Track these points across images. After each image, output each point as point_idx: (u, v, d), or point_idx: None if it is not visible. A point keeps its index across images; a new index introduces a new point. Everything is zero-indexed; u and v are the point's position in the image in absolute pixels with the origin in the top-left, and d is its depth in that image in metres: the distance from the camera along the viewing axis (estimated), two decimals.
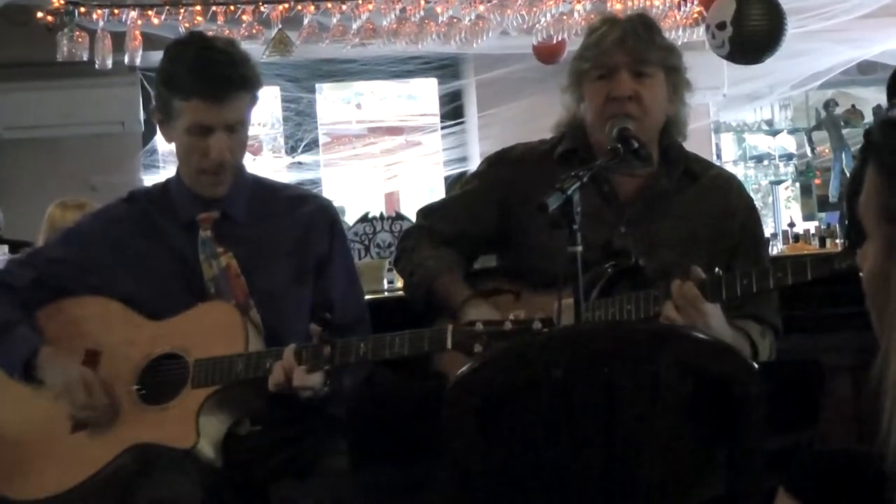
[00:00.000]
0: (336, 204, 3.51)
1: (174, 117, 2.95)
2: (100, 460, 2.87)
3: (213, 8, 6.89)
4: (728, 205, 3.14)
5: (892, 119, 1.40)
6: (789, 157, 10.24)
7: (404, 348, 2.75)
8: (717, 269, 2.85)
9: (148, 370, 2.94)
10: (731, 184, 3.25)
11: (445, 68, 9.47)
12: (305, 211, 3.13)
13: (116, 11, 6.89)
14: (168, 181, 3.16)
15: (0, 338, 2.99)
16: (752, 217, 3.22)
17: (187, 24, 6.87)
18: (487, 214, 3.20)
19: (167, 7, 6.88)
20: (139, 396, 2.92)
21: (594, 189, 2.97)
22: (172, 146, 3.08)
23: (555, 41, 7.36)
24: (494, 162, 3.31)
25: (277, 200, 3.14)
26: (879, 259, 1.39)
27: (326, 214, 3.16)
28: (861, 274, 1.45)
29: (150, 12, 6.91)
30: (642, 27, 3.08)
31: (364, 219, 5.79)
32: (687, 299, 2.79)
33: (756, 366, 2.24)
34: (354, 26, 7.10)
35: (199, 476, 2.79)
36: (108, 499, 2.87)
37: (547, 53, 7.85)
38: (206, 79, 2.89)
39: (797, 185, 10.62)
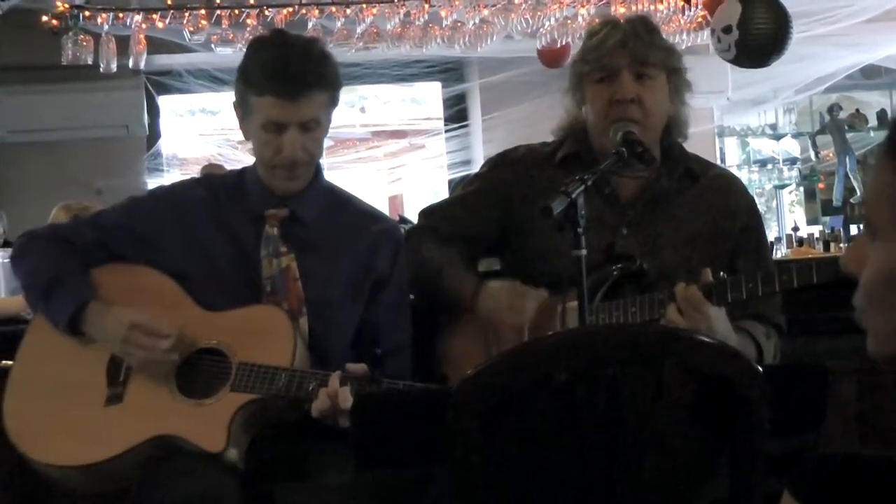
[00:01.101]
0: None
1: (250, 112, 2.94)
2: (126, 442, 2.83)
3: (218, 12, 6.90)
4: (729, 204, 3.14)
5: None
6: (793, 161, 10.25)
7: None
8: (721, 273, 2.86)
9: (190, 359, 2.90)
10: (731, 183, 3.25)
11: (449, 72, 9.49)
12: (374, 229, 3.09)
13: (121, 15, 6.91)
14: (244, 170, 3.13)
15: (53, 288, 2.95)
16: (753, 216, 3.23)
17: (191, 28, 6.89)
18: (489, 215, 3.20)
19: (171, 11, 6.89)
20: (177, 385, 2.88)
21: (595, 191, 2.97)
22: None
23: (559, 45, 7.36)
24: (496, 163, 3.31)
25: (348, 212, 3.11)
26: (891, 258, 1.36)
27: (394, 238, 3.13)
28: (861, 275, 1.42)
29: (154, 16, 6.92)
30: (643, 29, 3.09)
31: None
32: (690, 302, 2.79)
33: (760, 369, 2.24)
34: (358, 30, 7.10)
35: (222, 476, 2.77)
36: (126, 481, 2.83)
37: (551, 57, 7.86)
38: (279, 76, 2.87)
39: (801, 189, 10.62)
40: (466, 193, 3.31)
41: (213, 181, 3.20)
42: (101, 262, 3.04)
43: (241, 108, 2.99)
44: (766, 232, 3.58)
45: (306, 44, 3.00)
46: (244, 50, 3.10)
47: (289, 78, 2.88)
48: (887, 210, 1.36)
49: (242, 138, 3.09)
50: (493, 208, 3.20)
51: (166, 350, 2.85)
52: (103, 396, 2.92)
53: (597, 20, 5.67)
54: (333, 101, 3.02)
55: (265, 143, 2.94)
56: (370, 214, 3.18)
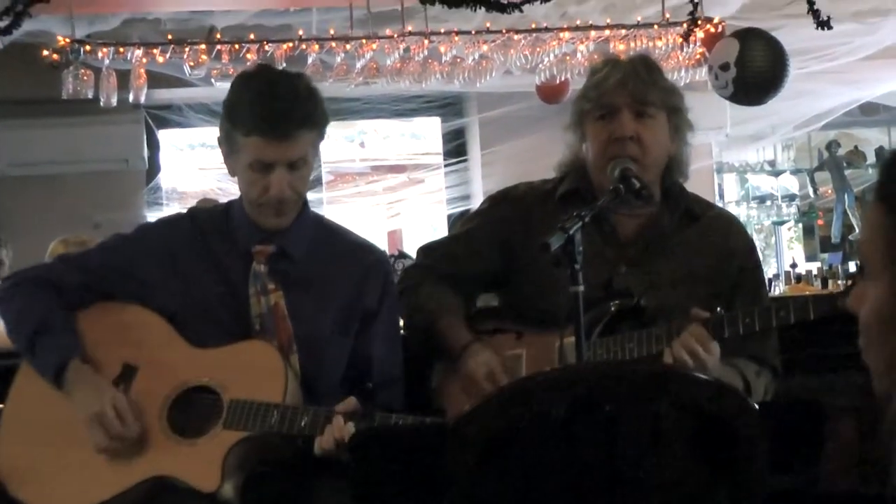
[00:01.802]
0: None
1: (237, 151, 2.91)
2: (119, 485, 2.82)
3: (218, 47, 6.92)
4: (728, 245, 3.15)
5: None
6: (792, 197, 10.26)
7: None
8: (718, 309, 2.87)
9: (181, 398, 2.89)
10: (731, 224, 3.26)
11: (448, 106, 9.50)
12: (363, 262, 3.08)
13: (122, 50, 6.92)
14: (230, 204, 3.09)
15: (38, 338, 2.92)
16: (751, 257, 3.23)
17: (192, 63, 6.90)
18: (489, 253, 3.20)
19: (172, 46, 6.91)
20: (169, 425, 2.86)
21: (595, 229, 2.98)
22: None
23: (558, 81, 7.38)
24: (497, 200, 3.31)
25: (337, 245, 3.09)
26: (887, 299, 1.38)
27: (383, 269, 3.12)
28: (859, 315, 1.44)
29: (154, 51, 6.94)
30: (644, 68, 3.10)
31: None
32: (699, 340, 2.80)
33: (756, 406, 2.24)
34: (358, 65, 7.12)
35: None
36: None
37: (550, 93, 7.87)
38: (266, 116, 2.84)
39: (800, 225, 10.63)
40: (466, 231, 3.31)
41: (200, 214, 3.18)
42: (87, 305, 3.01)
43: (227, 144, 2.95)
44: (765, 268, 3.60)
45: (293, 81, 2.95)
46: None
47: (276, 119, 2.84)
48: (878, 251, 1.38)
49: None
50: (492, 245, 3.20)
51: (123, 447, 2.83)
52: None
53: (596, 56, 5.71)
54: (320, 137, 2.99)
55: (252, 182, 2.92)
56: (358, 246, 3.15)
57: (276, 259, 3.00)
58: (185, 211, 3.23)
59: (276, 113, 2.85)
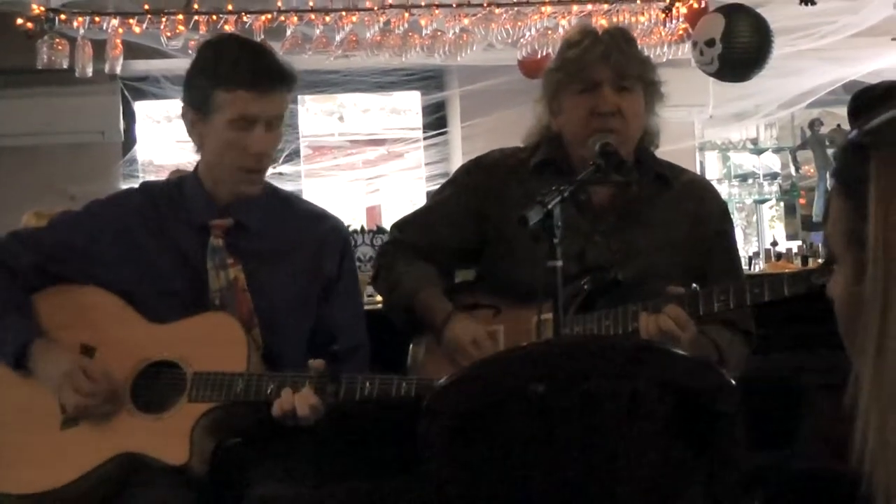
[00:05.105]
0: None
1: (213, 111, 2.90)
2: (86, 464, 2.81)
3: (196, 17, 6.89)
4: (703, 210, 3.17)
5: (852, 142, 1.40)
6: (774, 175, 10.27)
7: (411, 391, 2.71)
8: (693, 286, 2.89)
9: (143, 375, 2.88)
10: (704, 189, 3.29)
11: (429, 80, 9.48)
12: (320, 230, 3.08)
13: (97, 19, 6.88)
14: (183, 178, 3.09)
15: None
16: (725, 221, 3.28)
17: (169, 34, 6.87)
18: (464, 222, 3.21)
19: (149, 16, 6.88)
20: (133, 401, 2.86)
21: (570, 199, 2.99)
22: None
23: (540, 56, 7.37)
24: (469, 169, 3.32)
25: (292, 214, 3.10)
26: (849, 284, 1.39)
27: (339, 236, 3.13)
28: (833, 300, 1.45)
29: (131, 21, 6.90)
30: (623, 41, 3.12)
31: None
32: (678, 322, 2.81)
33: (734, 383, 2.25)
34: (338, 38, 7.10)
35: (187, 489, 2.76)
36: (90, 502, 2.82)
37: (532, 68, 7.86)
38: (254, 70, 2.87)
39: (782, 204, 10.65)
40: (439, 202, 3.31)
41: (152, 187, 3.17)
42: (40, 287, 3.00)
43: (202, 107, 2.94)
44: (746, 247, 3.62)
45: (265, 45, 3.03)
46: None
47: (262, 72, 2.88)
48: (840, 236, 1.39)
49: None
50: (468, 214, 3.20)
51: (96, 403, 2.83)
52: (59, 420, 2.89)
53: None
54: (290, 102, 3.01)
55: (230, 142, 2.91)
56: (314, 214, 3.15)
57: (234, 233, 3.00)
58: (136, 186, 3.22)
59: (262, 67, 2.89)
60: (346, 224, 3.31)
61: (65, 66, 6.92)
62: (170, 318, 2.93)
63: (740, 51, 6.49)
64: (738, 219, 9.86)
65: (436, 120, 9.70)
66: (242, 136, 2.90)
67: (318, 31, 7.09)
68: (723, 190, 9.68)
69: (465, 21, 7.13)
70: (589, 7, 7.16)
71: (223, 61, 2.91)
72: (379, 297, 3.34)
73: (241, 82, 2.87)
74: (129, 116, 8.92)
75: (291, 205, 3.15)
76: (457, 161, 9.23)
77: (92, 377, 2.82)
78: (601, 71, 3.06)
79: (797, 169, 10.22)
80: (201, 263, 2.97)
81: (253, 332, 2.93)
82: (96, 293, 3.00)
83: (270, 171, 3.11)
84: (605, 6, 7.13)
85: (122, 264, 2.99)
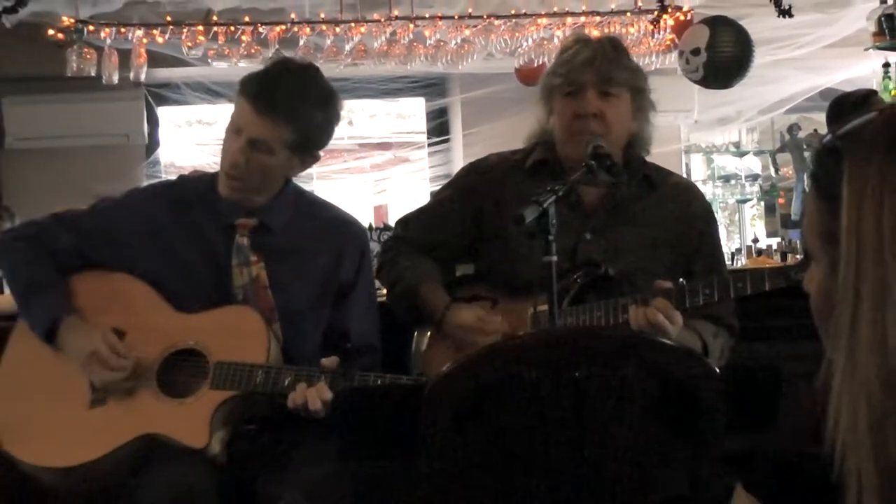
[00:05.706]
0: None
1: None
2: (111, 443, 2.81)
3: (215, 28, 6.88)
4: (689, 211, 3.18)
5: (826, 146, 1.39)
6: (755, 177, 10.25)
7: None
8: (680, 280, 2.88)
9: (168, 361, 2.88)
10: (690, 192, 3.28)
11: (432, 87, 9.48)
12: (342, 235, 3.07)
13: (123, 30, 6.88)
14: (216, 176, 3.06)
15: (30, 296, 2.92)
16: (710, 222, 3.28)
17: (189, 44, 6.86)
18: (462, 221, 3.21)
19: (171, 27, 6.88)
20: (158, 386, 2.86)
21: (562, 199, 2.99)
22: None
23: (536, 64, 7.36)
24: (468, 171, 3.34)
25: (317, 219, 3.08)
26: (824, 280, 1.39)
27: (359, 242, 3.12)
28: (810, 294, 1.44)
29: (154, 31, 6.90)
30: (611, 49, 3.12)
31: None
32: (665, 314, 2.81)
33: (717, 370, 2.25)
34: (347, 47, 7.10)
35: (205, 468, 2.77)
36: (111, 480, 2.82)
37: (528, 76, 7.85)
38: (261, 86, 2.86)
39: (762, 203, 10.64)
40: (439, 201, 3.34)
41: (188, 182, 3.16)
42: (76, 268, 2.99)
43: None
44: (729, 244, 3.62)
45: (306, 80, 2.93)
46: (239, 64, 3.09)
47: (263, 92, 2.86)
48: (816, 235, 1.39)
49: None
50: (465, 214, 3.21)
51: (122, 378, 2.83)
52: (87, 399, 2.89)
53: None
54: (295, 146, 2.93)
55: (223, 143, 2.93)
56: (337, 219, 3.14)
57: (258, 232, 2.99)
58: (174, 178, 3.22)
59: (267, 88, 2.87)
60: (366, 230, 3.30)
61: (92, 74, 6.92)
62: (194, 310, 2.92)
63: (724, 60, 6.49)
64: (721, 217, 9.86)
65: (439, 124, 9.69)
66: (229, 140, 2.90)
67: (328, 42, 7.09)
68: (707, 190, 9.67)
69: (467, 32, 7.12)
70: (582, 19, 7.15)
71: (257, 73, 2.92)
72: (384, 290, 3.33)
73: (247, 93, 2.87)
74: (153, 121, 8.90)
75: (316, 208, 3.13)
76: (459, 163, 9.23)
77: (117, 351, 2.82)
78: (585, 75, 3.07)
79: (776, 171, 10.21)
80: (227, 261, 2.97)
81: (273, 327, 2.92)
82: (128, 280, 2.99)
83: None
84: (598, 18, 7.12)
85: (153, 254, 2.99)
